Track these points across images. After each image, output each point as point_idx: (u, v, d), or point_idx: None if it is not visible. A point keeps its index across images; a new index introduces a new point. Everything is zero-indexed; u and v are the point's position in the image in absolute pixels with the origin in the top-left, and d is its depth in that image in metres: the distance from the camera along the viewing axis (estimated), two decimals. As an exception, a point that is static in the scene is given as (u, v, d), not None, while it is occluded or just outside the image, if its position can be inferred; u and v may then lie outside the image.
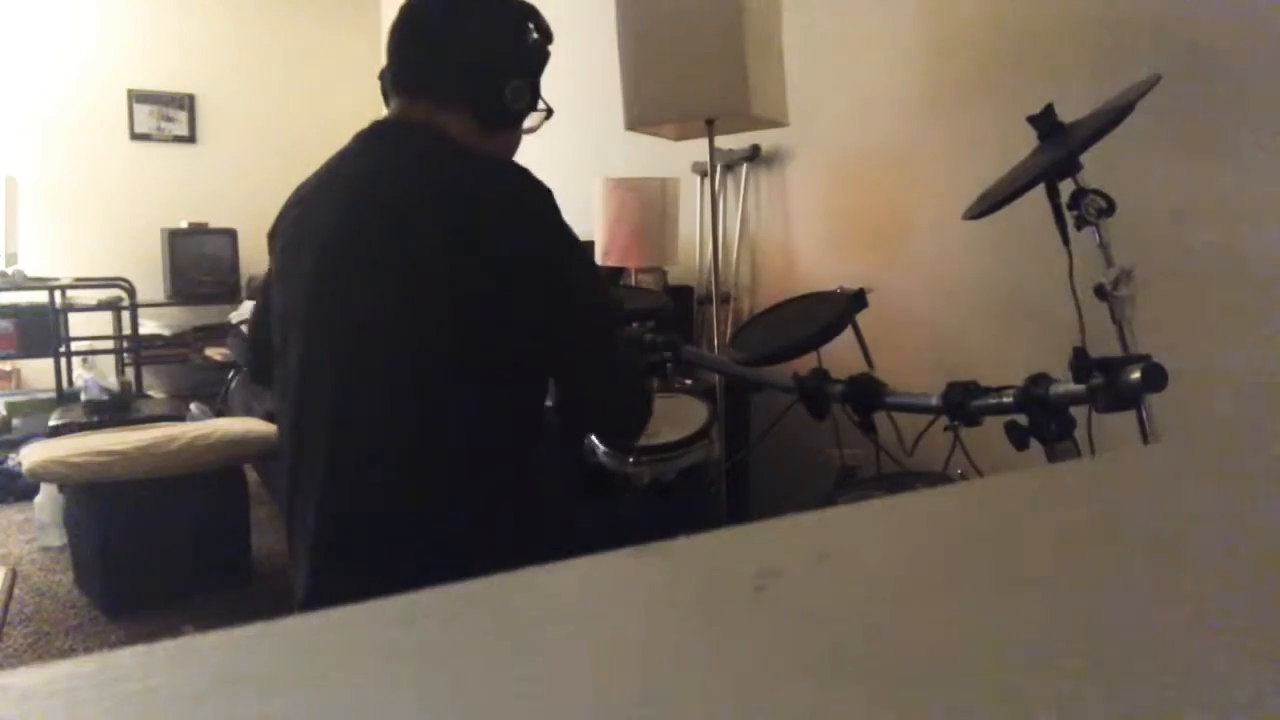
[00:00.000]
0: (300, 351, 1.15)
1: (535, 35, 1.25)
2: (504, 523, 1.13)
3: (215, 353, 4.72)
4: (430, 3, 1.23)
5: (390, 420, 1.09)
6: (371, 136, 1.21)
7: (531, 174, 1.14)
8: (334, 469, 1.11)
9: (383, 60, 1.26)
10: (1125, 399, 1.01)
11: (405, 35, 1.23)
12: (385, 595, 0.26)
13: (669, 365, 1.67)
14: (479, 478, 1.11)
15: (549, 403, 1.21)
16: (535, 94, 1.25)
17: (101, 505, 2.46)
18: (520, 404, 1.15)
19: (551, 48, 1.27)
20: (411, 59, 1.23)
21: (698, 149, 2.50)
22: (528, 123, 1.29)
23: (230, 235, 4.92)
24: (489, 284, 1.07)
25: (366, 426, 1.10)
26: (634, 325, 1.73)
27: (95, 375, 3.54)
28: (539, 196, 1.13)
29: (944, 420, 1.26)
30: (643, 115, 2.06)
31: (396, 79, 1.24)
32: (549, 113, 1.31)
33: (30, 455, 2.46)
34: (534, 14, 1.25)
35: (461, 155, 1.16)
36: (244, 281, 5.05)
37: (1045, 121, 1.38)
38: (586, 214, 2.61)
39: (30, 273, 4.12)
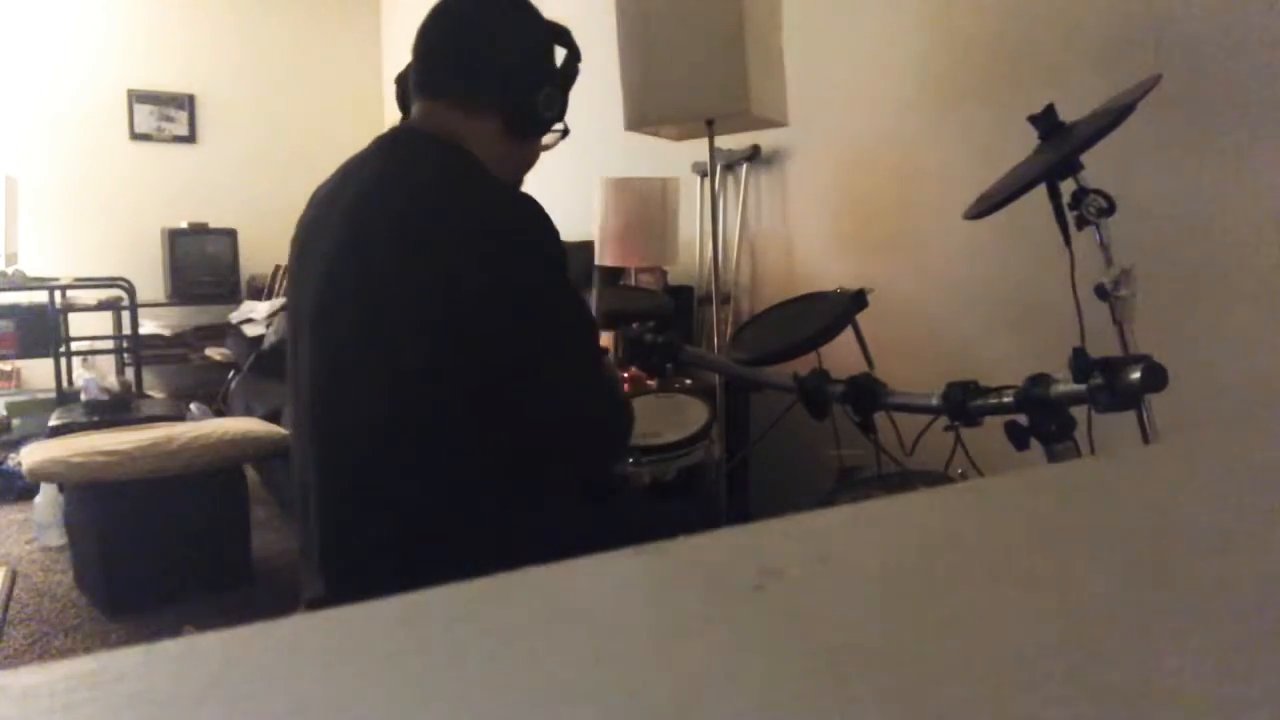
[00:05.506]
0: (308, 355, 1.16)
1: (566, 52, 1.26)
2: (498, 525, 1.13)
3: (215, 353, 4.72)
4: (465, 7, 1.21)
5: (377, 429, 1.09)
6: (390, 143, 1.19)
7: (540, 207, 1.13)
8: (330, 470, 1.12)
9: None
10: (1125, 399, 1.00)
11: (437, 37, 1.21)
12: (385, 594, 0.26)
13: (669, 365, 1.67)
14: (465, 479, 1.11)
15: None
16: (564, 105, 1.25)
17: (101, 505, 2.45)
18: (507, 420, 1.11)
19: (580, 67, 1.27)
20: (442, 61, 1.21)
21: (698, 149, 2.50)
22: (545, 139, 1.28)
23: (230, 235, 4.92)
24: (482, 307, 1.06)
25: (356, 434, 1.11)
26: (634, 325, 1.73)
27: (95, 375, 3.54)
28: (543, 232, 1.12)
29: (944, 420, 1.26)
30: (643, 115, 2.06)
31: (422, 82, 1.21)
32: (565, 132, 1.30)
33: (30, 455, 2.46)
34: (565, 33, 1.26)
35: (474, 176, 1.14)
36: (244, 281, 5.06)
37: (1046, 121, 1.37)
38: (587, 214, 2.61)
39: (30, 273, 4.11)
